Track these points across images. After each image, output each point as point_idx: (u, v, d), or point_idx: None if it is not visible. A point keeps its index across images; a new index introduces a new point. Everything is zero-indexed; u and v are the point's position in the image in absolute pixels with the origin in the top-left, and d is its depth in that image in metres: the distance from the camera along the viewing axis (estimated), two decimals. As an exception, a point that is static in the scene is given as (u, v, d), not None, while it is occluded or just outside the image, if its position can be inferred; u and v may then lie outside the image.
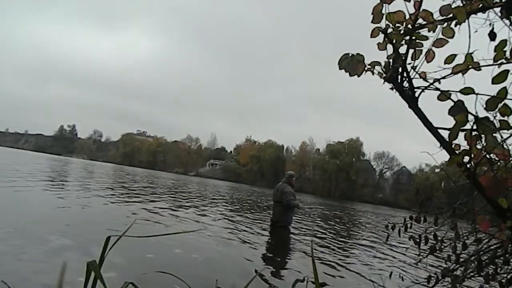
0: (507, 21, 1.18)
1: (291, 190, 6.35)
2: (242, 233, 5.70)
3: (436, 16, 1.22)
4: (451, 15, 1.20)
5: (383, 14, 1.22)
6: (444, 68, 1.25)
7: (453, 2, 1.19)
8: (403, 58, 1.23)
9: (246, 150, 76.38)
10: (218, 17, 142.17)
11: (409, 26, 1.23)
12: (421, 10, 1.20)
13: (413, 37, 1.24)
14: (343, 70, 1.29)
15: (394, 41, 1.24)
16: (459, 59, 1.25)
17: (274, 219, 6.56)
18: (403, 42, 1.24)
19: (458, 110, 1.12)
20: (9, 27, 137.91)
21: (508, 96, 1.09)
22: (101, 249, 0.88)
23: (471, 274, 1.51)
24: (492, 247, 1.51)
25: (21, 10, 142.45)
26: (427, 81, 1.25)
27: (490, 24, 1.19)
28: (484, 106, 1.10)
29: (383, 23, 1.23)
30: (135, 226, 4.40)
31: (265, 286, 3.10)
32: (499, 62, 1.20)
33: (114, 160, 79.26)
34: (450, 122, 1.14)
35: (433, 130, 1.21)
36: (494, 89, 1.10)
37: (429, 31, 1.25)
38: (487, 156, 1.15)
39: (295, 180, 6.71)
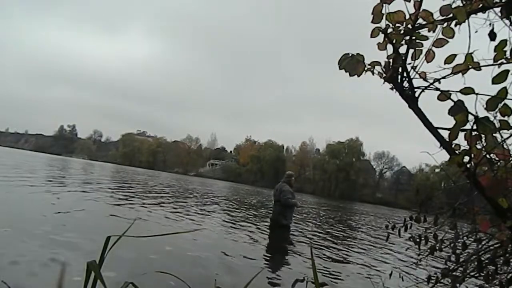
0: (507, 21, 1.18)
1: (290, 189, 6.38)
2: (242, 232, 5.71)
3: (436, 16, 1.22)
4: (451, 15, 1.19)
5: (383, 14, 1.22)
6: (444, 68, 1.25)
7: (453, 2, 1.19)
8: (403, 58, 1.23)
9: (246, 150, 76.38)
10: (218, 18, 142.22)
11: (409, 26, 1.23)
12: (421, 10, 1.20)
13: (413, 37, 1.24)
14: (343, 70, 1.29)
15: (394, 41, 1.24)
16: (459, 59, 1.25)
17: (274, 218, 6.58)
18: (403, 42, 1.24)
19: (458, 110, 1.12)
20: (10, 28, 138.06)
21: (508, 96, 1.09)
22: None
23: (471, 274, 1.51)
24: (492, 247, 1.51)
25: (22, 12, 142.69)
26: (427, 81, 1.25)
27: (490, 24, 1.19)
28: (484, 106, 1.10)
29: (383, 23, 1.23)
30: (135, 226, 4.40)
31: (265, 285, 3.10)
32: (499, 62, 1.20)
33: (115, 160, 79.23)
34: (450, 122, 1.14)
35: (433, 130, 1.21)
36: (494, 89, 1.10)
37: (429, 31, 1.25)
38: (487, 156, 1.14)
39: (294, 179, 6.74)
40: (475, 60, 1.24)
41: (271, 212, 6.87)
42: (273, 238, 5.85)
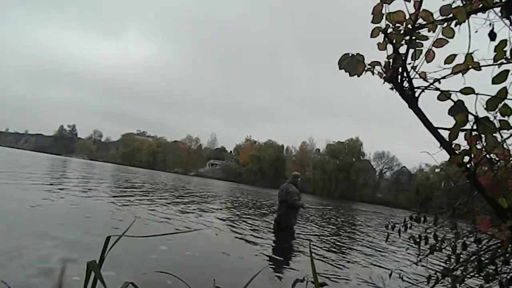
0: (507, 21, 1.18)
1: (296, 190, 6.32)
2: (242, 232, 5.70)
3: (436, 16, 1.22)
4: (451, 15, 1.20)
5: (383, 14, 1.22)
6: (444, 68, 1.25)
7: (453, 2, 1.19)
8: (403, 58, 1.24)
9: (246, 150, 76.33)
10: (218, 18, 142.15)
11: (409, 26, 1.23)
12: (421, 10, 1.20)
13: (413, 37, 1.24)
14: (343, 70, 1.29)
15: (394, 41, 1.24)
16: (459, 59, 1.25)
17: (278, 219, 6.54)
18: (403, 42, 1.24)
19: (458, 110, 1.12)
20: (10, 28, 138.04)
21: (508, 96, 1.09)
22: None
23: (471, 274, 1.51)
24: (492, 247, 1.51)
25: (22, 13, 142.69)
26: (427, 81, 1.26)
27: (490, 24, 1.19)
28: (484, 106, 1.10)
29: (383, 23, 1.23)
30: (134, 226, 4.40)
31: (265, 285, 3.10)
32: (499, 62, 1.20)
33: (114, 160, 79.17)
34: (450, 122, 1.14)
35: (433, 130, 1.21)
36: (494, 89, 1.10)
37: (429, 31, 1.25)
38: (487, 156, 1.15)
39: (300, 180, 6.70)
40: (475, 60, 1.24)
41: (275, 212, 6.84)
42: (275, 238, 5.85)
